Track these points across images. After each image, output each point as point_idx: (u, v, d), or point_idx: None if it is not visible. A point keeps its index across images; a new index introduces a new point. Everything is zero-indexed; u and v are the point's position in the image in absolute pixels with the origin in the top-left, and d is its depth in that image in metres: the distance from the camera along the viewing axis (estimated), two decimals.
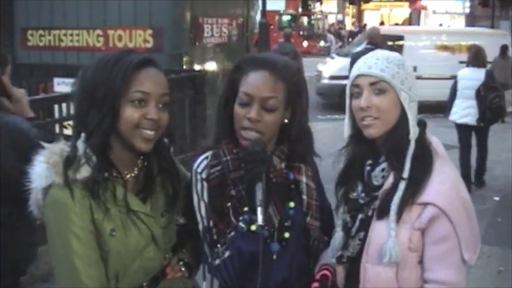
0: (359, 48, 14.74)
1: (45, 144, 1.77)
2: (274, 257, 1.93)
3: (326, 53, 24.83)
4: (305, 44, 28.53)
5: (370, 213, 1.89)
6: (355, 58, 1.83)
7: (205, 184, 1.95)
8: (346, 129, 1.99)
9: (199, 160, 1.99)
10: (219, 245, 1.91)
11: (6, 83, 2.69)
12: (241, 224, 1.87)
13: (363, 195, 1.93)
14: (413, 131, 1.88)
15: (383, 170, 1.90)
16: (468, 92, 7.57)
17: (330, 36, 28.18)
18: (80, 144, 1.75)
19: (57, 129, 5.34)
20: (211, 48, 8.49)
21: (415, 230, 1.82)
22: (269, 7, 26.27)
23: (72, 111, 4.30)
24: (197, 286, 2.08)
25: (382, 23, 31.97)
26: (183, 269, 1.99)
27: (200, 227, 1.96)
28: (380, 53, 1.95)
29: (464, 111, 7.64)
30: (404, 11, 40.88)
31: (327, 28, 32.58)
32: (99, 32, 8.36)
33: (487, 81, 7.50)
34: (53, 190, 1.72)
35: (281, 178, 1.96)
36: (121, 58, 1.76)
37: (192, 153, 2.08)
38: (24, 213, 1.80)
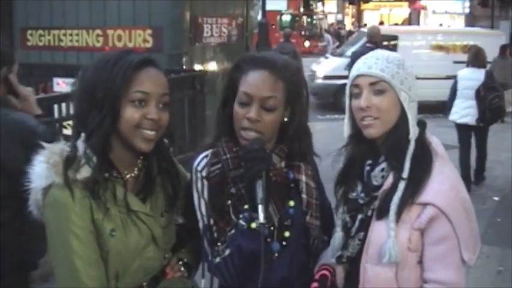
0: (353, 48, 14.82)
1: (45, 144, 1.77)
2: (275, 256, 1.92)
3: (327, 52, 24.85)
4: (307, 44, 28.51)
5: (369, 213, 1.89)
6: (355, 57, 1.83)
7: (205, 182, 1.95)
8: (346, 129, 1.99)
9: (199, 158, 1.99)
10: (219, 243, 1.91)
11: (13, 81, 2.72)
12: (242, 222, 1.87)
13: (362, 195, 1.93)
14: (413, 131, 1.88)
15: (382, 170, 1.90)
16: (468, 92, 7.60)
17: (327, 36, 28.13)
18: (80, 145, 1.75)
19: None
20: (211, 48, 8.49)
21: (415, 230, 1.82)
22: (270, 7, 26.34)
23: (71, 111, 4.30)
24: (196, 286, 2.08)
25: (381, 23, 31.97)
26: (182, 268, 1.99)
27: (200, 225, 1.96)
28: (380, 53, 1.95)
29: (464, 111, 7.67)
30: (404, 11, 40.90)
31: (324, 27, 32.55)
32: (98, 32, 8.36)
33: (486, 82, 7.53)
34: (53, 190, 1.72)
35: (281, 177, 1.97)
36: (121, 58, 1.76)
37: (191, 153, 2.08)
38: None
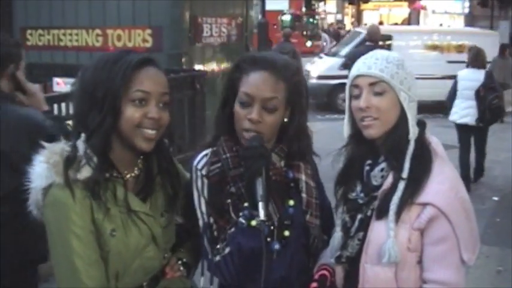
0: (348, 48, 14.82)
1: (45, 144, 1.77)
2: (275, 256, 1.92)
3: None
4: (308, 43, 28.48)
5: (369, 213, 1.89)
6: (354, 56, 1.83)
7: (205, 181, 1.95)
8: (345, 129, 1.99)
9: (199, 157, 1.99)
10: (219, 242, 1.91)
11: (20, 78, 2.75)
12: (242, 220, 1.87)
13: (362, 195, 1.93)
14: (413, 131, 1.88)
15: (382, 170, 1.90)
16: (468, 92, 7.63)
17: (325, 35, 28.09)
18: (80, 144, 1.75)
19: None
20: (211, 47, 8.49)
21: (414, 230, 1.82)
22: (272, 7, 26.35)
23: (71, 111, 4.29)
24: (194, 286, 2.08)
25: (381, 23, 31.95)
26: (181, 268, 1.99)
27: (200, 223, 1.96)
28: (379, 53, 1.95)
29: (464, 111, 7.71)
30: (404, 11, 40.91)
31: (325, 27, 32.53)
32: (98, 31, 8.37)
33: (486, 82, 7.57)
34: (54, 190, 1.71)
35: (280, 176, 1.97)
36: (120, 58, 1.76)
37: (191, 153, 2.08)
38: None
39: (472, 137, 7.92)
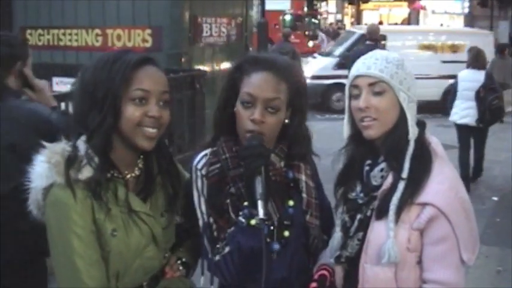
0: (342, 48, 14.81)
1: (46, 144, 1.77)
2: (274, 256, 1.92)
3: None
4: (310, 43, 28.44)
5: (368, 213, 1.89)
6: (354, 56, 1.83)
7: (205, 181, 1.96)
8: (345, 130, 1.99)
9: (198, 157, 2.00)
10: (219, 241, 1.91)
11: (28, 74, 2.80)
12: (241, 219, 1.87)
13: (361, 195, 1.93)
14: (413, 131, 1.87)
15: (382, 170, 1.89)
16: (468, 93, 7.67)
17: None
18: (81, 144, 1.75)
19: None
20: (210, 47, 8.49)
21: (414, 230, 1.82)
22: (274, 7, 26.30)
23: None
24: (193, 285, 2.08)
25: (380, 23, 31.95)
26: (180, 268, 1.99)
27: (200, 223, 1.96)
28: (379, 53, 1.95)
29: (464, 112, 7.74)
30: (404, 11, 40.91)
31: (325, 27, 32.48)
32: (97, 31, 8.37)
33: (486, 83, 7.61)
34: (55, 190, 1.71)
35: (280, 176, 1.97)
36: (120, 57, 1.76)
37: (190, 153, 2.08)
38: None
39: (471, 137, 7.95)
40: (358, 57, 1.97)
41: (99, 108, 1.73)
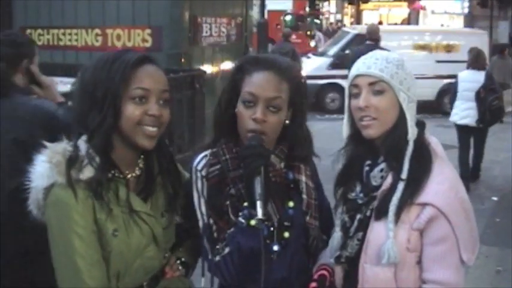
0: (336, 48, 14.79)
1: (47, 144, 1.77)
2: (275, 257, 1.92)
3: None
4: (312, 43, 28.42)
5: (368, 213, 1.89)
6: (355, 56, 1.83)
7: (205, 182, 1.96)
8: (345, 129, 1.99)
9: (198, 158, 2.00)
10: (219, 242, 1.91)
11: (35, 71, 2.84)
12: (241, 219, 1.87)
13: (361, 195, 1.93)
14: (412, 132, 1.87)
15: (382, 170, 1.89)
16: (468, 93, 7.69)
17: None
18: (82, 144, 1.75)
19: None
20: (210, 47, 8.49)
21: (414, 231, 1.82)
22: (276, 7, 26.21)
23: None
24: (192, 286, 2.08)
25: (380, 23, 31.92)
26: (180, 267, 1.99)
27: (200, 224, 1.96)
28: (379, 53, 1.95)
29: (464, 112, 7.77)
30: (403, 11, 40.87)
31: (325, 27, 32.42)
32: (97, 31, 8.37)
33: (486, 84, 7.65)
34: (56, 190, 1.72)
35: (280, 178, 1.97)
36: (119, 57, 1.77)
37: (190, 153, 2.08)
38: None
39: (471, 137, 7.97)
40: (358, 57, 1.97)
41: (99, 108, 1.73)
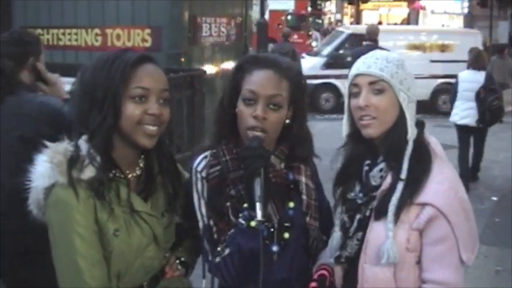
0: (330, 48, 14.77)
1: (48, 144, 1.77)
2: (275, 258, 1.92)
3: None
4: (314, 43, 28.41)
5: (368, 213, 1.89)
6: (355, 56, 1.83)
7: (205, 183, 1.96)
8: (344, 128, 1.99)
9: (199, 159, 2.00)
10: (219, 244, 1.91)
11: (41, 68, 2.88)
12: (241, 221, 1.87)
13: (360, 195, 1.93)
14: (412, 132, 1.88)
15: (381, 170, 1.89)
16: (468, 94, 7.72)
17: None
18: (83, 144, 1.75)
19: None
20: (210, 47, 8.49)
21: (413, 231, 1.82)
22: (278, 7, 26.19)
23: None
24: (191, 286, 2.08)
25: (380, 23, 31.93)
26: (179, 267, 1.99)
27: (200, 225, 1.96)
28: (379, 53, 1.95)
29: (464, 112, 7.80)
30: (403, 11, 40.89)
31: (325, 27, 32.42)
32: (97, 31, 8.36)
33: (486, 84, 7.68)
34: (57, 190, 1.71)
35: (280, 178, 1.97)
36: (119, 57, 1.77)
37: (189, 153, 2.08)
38: None
39: (471, 137, 7.99)
40: (359, 57, 1.98)
41: (99, 108, 1.73)
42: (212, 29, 8.50)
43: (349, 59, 14.10)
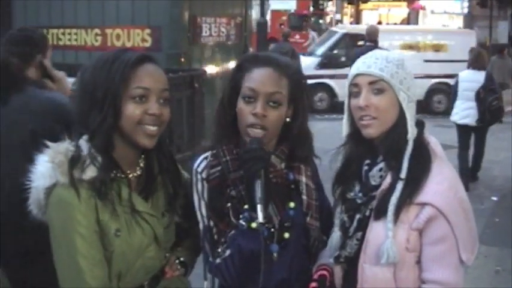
0: (324, 48, 14.74)
1: (49, 144, 1.77)
2: (275, 258, 1.92)
3: None
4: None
5: (367, 213, 1.89)
6: (356, 56, 1.83)
7: (205, 184, 1.96)
8: (344, 128, 1.99)
9: (199, 160, 2.00)
10: (219, 245, 1.91)
11: (48, 65, 2.94)
12: (242, 222, 1.87)
13: (360, 195, 1.93)
14: (412, 131, 1.88)
15: (381, 169, 1.89)
16: (468, 93, 7.73)
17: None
18: (83, 144, 1.75)
19: None
20: (210, 47, 8.48)
21: (413, 231, 1.82)
22: (280, 6, 26.15)
23: None
24: (190, 286, 2.08)
25: (379, 23, 31.91)
26: (179, 267, 1.99)
27: (201, 226, 1.96)
28: (379, 53, 1.96)
29: (464, 112, 7.81)
30: (403, 11, 40.86)
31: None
32: (97, 31, 8.36)
33: (486, 84, 7.69)
34: (58, 190, 1.71)
35: (281, 178, 1.97)
36: (119, 57, 1.77)
37: (189, 153, 2.08)
38: None
39: (471, 137, 8.00)
40: (359, 57, 1.98)
41: (99, 108, 1.73)
42: (212, 29, 8.50)
43: (343, 58, 14.17)
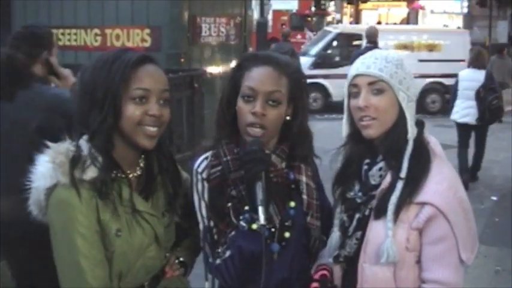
0: (317, 48, 14.74)
1: (50, 144, 1.77)
2: (275, 257, 1.92)
3: None
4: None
5: (367, 212, 1.89)
6: (355, 58, 1.83)
7: (205, 184, 1.96)
8: (344, 128, 1.99)
9: (199, 160, 2.00)
10: (219, 245, 1.91)
11: (54, 63, 3.04)
12: (242, 223, 1.87)
13: (360, 194, 1.93)
14: (412, 131, 1.88)
15: (380, 169, 1.90)
16: (468, 92, 7.74)
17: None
18: (84, 144, 1.75)
19: None
20: (209, 47, 8.48)
21: (413, 230, 1.82)
22: (281, 6, 26.17)
23: None
24: (189, 286, 2.08)
25: (379, 23, 31.91)
26: (179, 267, 1.99)
27: (201, 226, 1.96)
28: (378, 53, 1.95)
29: (464, 111, 7.83)
30: (402, 10, 40.87)
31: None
32: (96, 31, 8.35)
33: (486, 83, 7.70)
34: (59, 190, 1.71)
35: (281, 178, 1.97)
36: (119, 57, 1.76)
37: (189, 153, 2.08)
38: None
39: (471, 136, 8.01)
40: (357, 58, 1.98)
41: (99, 108, 1.73)
42: (212, 29, 8.49)
43: (337, 58, 14.14)
